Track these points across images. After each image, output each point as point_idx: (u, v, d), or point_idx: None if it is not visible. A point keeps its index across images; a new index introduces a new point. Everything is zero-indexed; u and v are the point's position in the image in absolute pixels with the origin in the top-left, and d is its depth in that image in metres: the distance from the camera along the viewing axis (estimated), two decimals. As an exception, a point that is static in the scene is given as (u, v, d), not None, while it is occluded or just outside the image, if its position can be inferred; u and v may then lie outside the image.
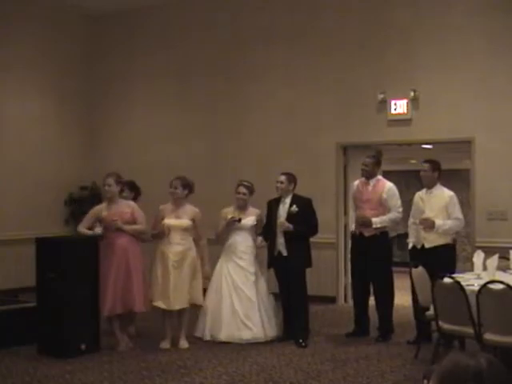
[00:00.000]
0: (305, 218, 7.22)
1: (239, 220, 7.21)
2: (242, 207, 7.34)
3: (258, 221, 7.36)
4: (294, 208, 7.21)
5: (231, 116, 10.43)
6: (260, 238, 7.36)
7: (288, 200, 7.30)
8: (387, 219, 7.38)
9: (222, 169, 10.28)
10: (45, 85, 10.99)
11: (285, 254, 7.23)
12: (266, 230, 7.41)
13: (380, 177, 7.73)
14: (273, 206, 7.39)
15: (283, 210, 7.28)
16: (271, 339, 7.14)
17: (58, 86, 11.11)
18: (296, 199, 7.31)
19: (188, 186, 7.09)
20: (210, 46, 10.60)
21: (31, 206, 10.56)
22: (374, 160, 7.54)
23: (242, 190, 7.32)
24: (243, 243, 7.29)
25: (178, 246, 6.96)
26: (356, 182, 7.74)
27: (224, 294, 7.15)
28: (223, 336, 7.05)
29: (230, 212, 7.32)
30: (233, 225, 7.24)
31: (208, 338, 7.10)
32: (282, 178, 7.33)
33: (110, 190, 6.94)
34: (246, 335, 7.06)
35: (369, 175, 7.50)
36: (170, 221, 6.98)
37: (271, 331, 7.20)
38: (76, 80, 11.35)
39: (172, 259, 6.90)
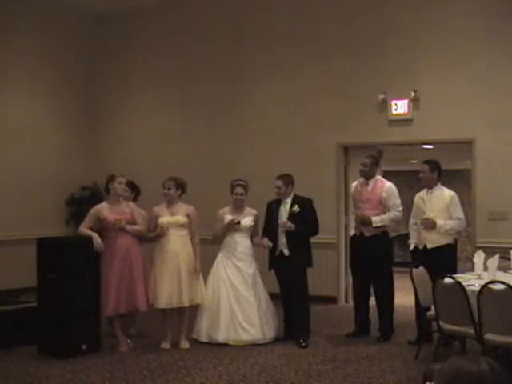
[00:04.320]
0: (306, 218, 7.21)
1: (238, 222, 7.18)
2: (239, 207, 7.31)
3: (255, 221, 7.34)
4: (296, 208, 7.20)
5: (232, 116, 10.43)
6: (265, 239, 7.29)
7: (289, 200, 7.29)
8: (387, 218, 7.38)
9: (222, 169, 10.25)
10: (45, 85, 10.99)
11: (287, 253, 7.23)
12: (266, 230, 7.40)
13: (379, 177, 7.74)
14: (273, 206, 7.38)
15: (284, 210, 7.27)
16: (270, 341, 7.12)
17: (58, 87, 11.10)
18: (297, 200, 7.29)
19: (181, 186, 7.07)
20: (211, 47, 10.60)
21: (32, 207, 10.55)
22: (373, 160, 7.54)
23: (240, 190, 7.25)
24: (242, 244, 7.26)
25: (176, 244, 6.96)
26: (355, 183, 7.75)
27: (222, 295, 7.10)
28: (221, 338, 7.01)
29: (226, 212, 7.29)
30: (232, 228, 7.23)
31: (205, 339, 7.06)
32: (279, 183, 7.27)
33: (122, 187, 6.96)
34: (244, 337, 7.03)
35: (367, 175, 7.51)
36: (166, 218, 6.97)
37: (270, 332, 7.18)
38: (76, 80, 11.35)
39: (170, 257, 6.89)
